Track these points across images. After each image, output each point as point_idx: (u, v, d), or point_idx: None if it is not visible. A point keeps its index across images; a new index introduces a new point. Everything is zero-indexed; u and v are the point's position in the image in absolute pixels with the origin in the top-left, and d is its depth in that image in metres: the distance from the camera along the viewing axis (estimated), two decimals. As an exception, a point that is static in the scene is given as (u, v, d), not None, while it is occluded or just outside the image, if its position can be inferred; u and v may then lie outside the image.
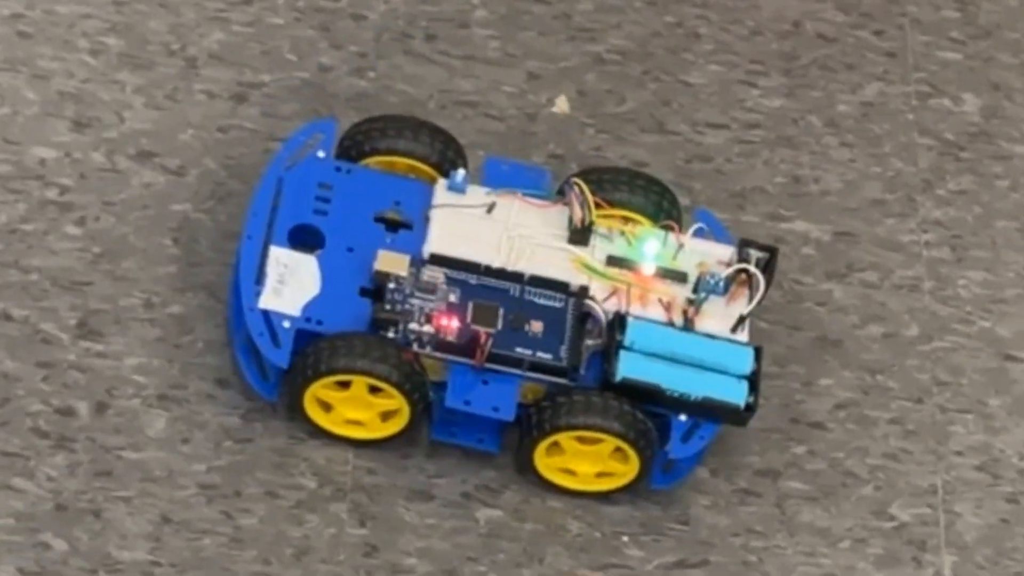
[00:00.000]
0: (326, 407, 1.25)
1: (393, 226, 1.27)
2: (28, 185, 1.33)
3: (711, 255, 1.27)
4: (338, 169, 1.29)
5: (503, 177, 1.29)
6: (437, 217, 1.26)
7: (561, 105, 1.45)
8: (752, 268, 1.25)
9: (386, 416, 1.25)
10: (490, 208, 1.27)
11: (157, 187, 1.35)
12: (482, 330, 1.22)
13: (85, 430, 1.25)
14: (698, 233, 1.28)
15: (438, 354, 1.23)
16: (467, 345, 1.22)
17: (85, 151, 1.35)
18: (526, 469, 1.26)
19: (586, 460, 1.25)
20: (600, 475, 1.26)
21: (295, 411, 1.25)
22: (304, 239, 1.26)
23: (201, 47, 1.41)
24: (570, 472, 1.26)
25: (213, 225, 1.34)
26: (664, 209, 1.29)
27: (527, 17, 1.48)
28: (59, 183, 1.33)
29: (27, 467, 1.23)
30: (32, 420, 1.25)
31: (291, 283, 1.24)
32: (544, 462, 1.25)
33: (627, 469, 1.25)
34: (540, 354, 1.23)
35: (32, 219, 1.31)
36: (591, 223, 1.26)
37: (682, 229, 1.28)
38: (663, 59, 1.48)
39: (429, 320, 1.22)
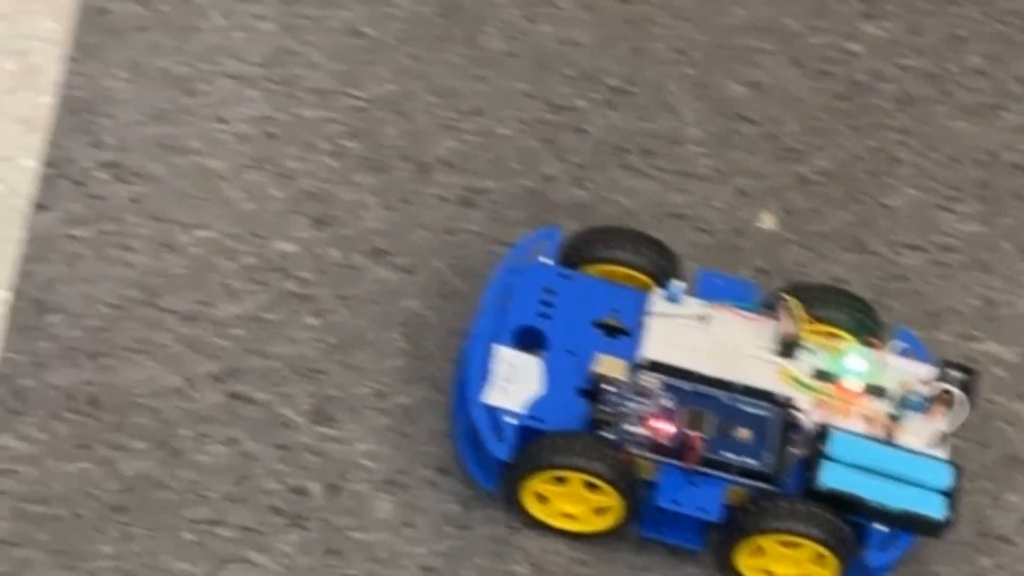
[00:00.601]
0: (542, 499, 1.28)
1: (611, 332, 1.29)
2: (271, 277, 1.38)
3: (912, 373, 1.28)
4: (561, 275, 1.32)
5: (716, 289, 1.32)
6: (653, 325, 1.28)
7: (767, 221, 1.47)
8: (955, 389, 1.26)
9: (599, 511, 1.28)
10: (703, 319, 1.29)
11: (389, 284, 1.39)
12: (694, 435, 1.24)
13: (318, 510, 1.30)
14: (899, 351, 1.30)
15: (652, 456, 1.25)
16: (679, 448, 1.24)
17: (324, 247, 1.40)
18: (727, 568, 1.28)
19: (785, 563, 1.27)
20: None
21: (513, 502, 1.28)
22: (528, 340, 1.29)
23: (433, 154, 1.45)
24: (769, 573, 1.28)
25: (439, 322, 1.38)
26: (867, 326, 1.30)
27: (737, 137, 1.50)
28: (299, 276, 1.39)
29: (263, 542, 1.28)
30: (268, 498, 1.30)
31: (516, 381, 1.27)
32: (745, 562, 1.27)
33: (825, 574, 1.26)
34: (747, 460, 1.24)
35: (274, 309, 1.37)
36: (799, 337, 1.28)
37: (884, 346, 1.29)
38: (864, 182, 1.51)
39: (644, 423, 1.24)
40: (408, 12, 1.52)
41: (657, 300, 1.30)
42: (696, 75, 1.53)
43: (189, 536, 1.28)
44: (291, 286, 1.38)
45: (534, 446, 1.25)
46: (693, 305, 1.30)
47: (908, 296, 1.46)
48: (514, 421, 1.26)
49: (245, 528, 1.29)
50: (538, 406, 1.26)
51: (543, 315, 1.30)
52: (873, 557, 1.25)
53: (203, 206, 1.40)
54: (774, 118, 1.52)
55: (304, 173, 1.43)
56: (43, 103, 1.42)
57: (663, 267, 1.33)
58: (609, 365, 1.26)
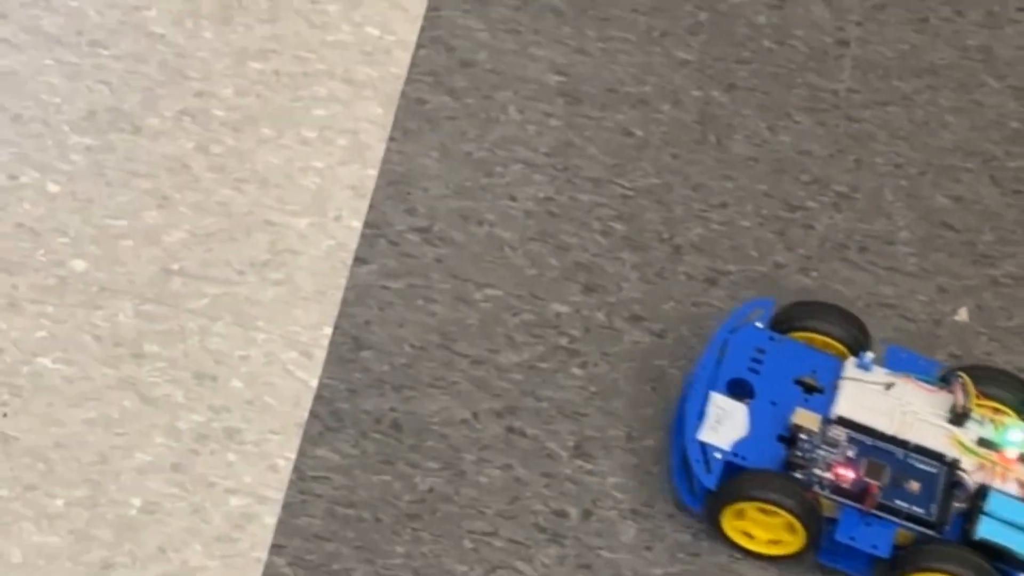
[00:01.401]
0: (740, 524, 1.28)
1: (809, 389, 1.29)
2: (546, 332, 1.38)
3: None
4: (771, 338, 1.32)
5: (901, 362, 1.31)
6: (845, 387, 1.28)
7: (962, 315, 1.45)
8: None
9: (786, 539, 1.27)
10: (888, 386, 1.28)
11: (643, 345, 1.39)
12: (872, 483, 1.23)
13: (573, 530, 1.30)
14: None
15: (835, 497, 1.25)
16: (858, 493, 1.24)
17: (591, 310, 1.40)
18: None
19: None
20: None
21: (714, 524, 1.28)
22: (739, 390, 1.29)
23: (686, 238, 1.45)
24: None
25: (682, 379, 1.37)
26: None
27: (940, 241, 1.48)
28: (569, 333, 1.38)
29: (527, 554, 1.29)
30: (534, 517, 1.30)
31: (725, 423, 1.27)
32: None
33: None
34: (915, 508, 1.23)
35: (547, 359, 1.37)
36: (969, 409, 1.27)
37: None
38: (1048, 286, 1.48)
39: (830, 468, 1.24)
40: (671, 118, 1.51)
41: (850, 366, 1.29)
42: (908, 186, 1.51)
43: (468, 544, 1.28)
44: (562, 341, 1.38)
45: (736, 480, 1.25)
46: (880, 374, 1.29)
47: (1080, 388, 1.42)
48: (721, 456, 1.26)
49: (513, 541, 1.29)
50: (742, 446, 1.26)
51: (752, 370, 1.30)
52: None
53: (493, 269, 1.41)
54: (973, 227, 1.49)
55: (577, 247, 1.43)
56: (369, 175, 1.43)
57: (857, 339, 1.32)
58: (805, 417, 1.26)
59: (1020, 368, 1.42)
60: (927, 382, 1.29)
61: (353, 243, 1.40)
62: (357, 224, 1.40)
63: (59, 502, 1.25)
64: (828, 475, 1.24)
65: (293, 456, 1.29)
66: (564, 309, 1.40)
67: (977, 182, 1.52)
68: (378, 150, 1.44)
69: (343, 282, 1.38)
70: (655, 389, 1.37)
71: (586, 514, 1.31)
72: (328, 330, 1.35)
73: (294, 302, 1.35)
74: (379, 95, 1.47)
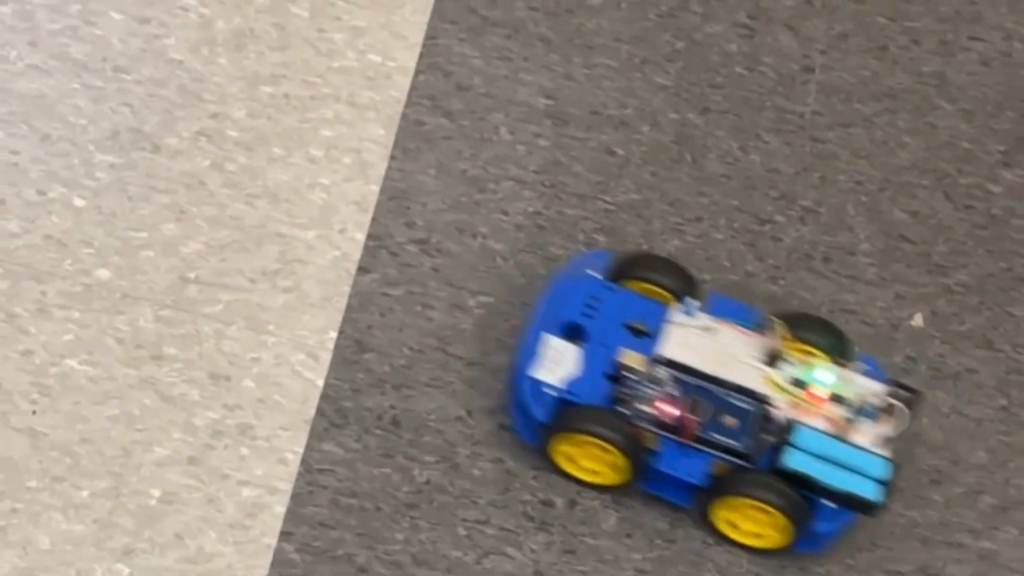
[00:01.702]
0: (569, 456, 1.29)
1: (637, 333, 1.30)
2: (534, 336, 1.38)
3: (868, 388, 1.28)
4: (605, 287, 1.33)
5: (723, 309, 1.32)
6: (670, 331, 1.29)
7: (918, 321, 1.46)
8: (899, 403, 1.26)
9: (612, 470, 1.29)
10: (709, 330, 1.30)
11: None
12: (691, 417, 1.25)
13: (559, 519, 1.31)
14: (861, 371, 1.29)
15: (656, 430, 1.26)
16: (678, 427, 1.26)
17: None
18: (706, 521, 1.30)
19: (750, 523, 1.28)
20: (759, 536, 1.29)
21: (545, 455, 1.30)
22: (573, 333, 1.30)
23: (663, 250, 1.45)
24: (737, 528, 1.29)
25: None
26: (839, 350, 1.30)
27: (898, 252, 1.49)
28: None
29: (517, 540, 1.29)
30: (523, 507, 1.31)
31: (558, 363, 1.28)
32: (720, 518, 1.29)
33: (781, 535, 1.27)
34: (730, 441, 1.26)
35: None
36: (781, 352, 1.28)
37: (849, 366, 1.29)
38: (995, 294, 1.48)
39: (652, 404, 1.26)
40: (650, 138, 1.52)
41: (675, 312, 1.31)
42: (869, 202, 1.51)
43: (462, 531, 1.29)
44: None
45: (566, 413, 1.26)
46: (703, 319, 1.30)
47: (1026, 387, 1.43)
48: (553, 393, 1.27)
49: (504, 528, 1.30)
50: (573, 383, 1.28)
51: (586, 315, 1.31)
52: (820, 526, 1.27)
53: (486, 278, 1.41)
54: (928, 240, 1.50)
55: (565, 258, 1.43)
56: (371, 190, 1.43)
57: (684, 288, 1.33)
58: (631, 357, 1.28)
59: (971, 369, 1.43)
60: (745, 327, 1.30)
61: (357, 254, 1.40)
62: (360, 236, 1.41)
63: (84, 493, 1.25)
64: (650, 410, 1.26)
65: (301, 450, 1.29)
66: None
67: (932, 198, 1.52)
68: (380, 168, 1.45)
69: (347, 289, 1.38)
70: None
71: (571, 504, 1.31)
72: (333, 334, 1.36)
73: (302, 308, 1.36)
74: (381, 117, 1.47)
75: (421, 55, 1.51)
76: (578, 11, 1.56)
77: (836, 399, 1.27)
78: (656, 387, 1.27)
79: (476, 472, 1.31)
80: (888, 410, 1.27)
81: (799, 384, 1.28)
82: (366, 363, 1.35)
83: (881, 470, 1.25)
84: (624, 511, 1.31)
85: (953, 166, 1.54)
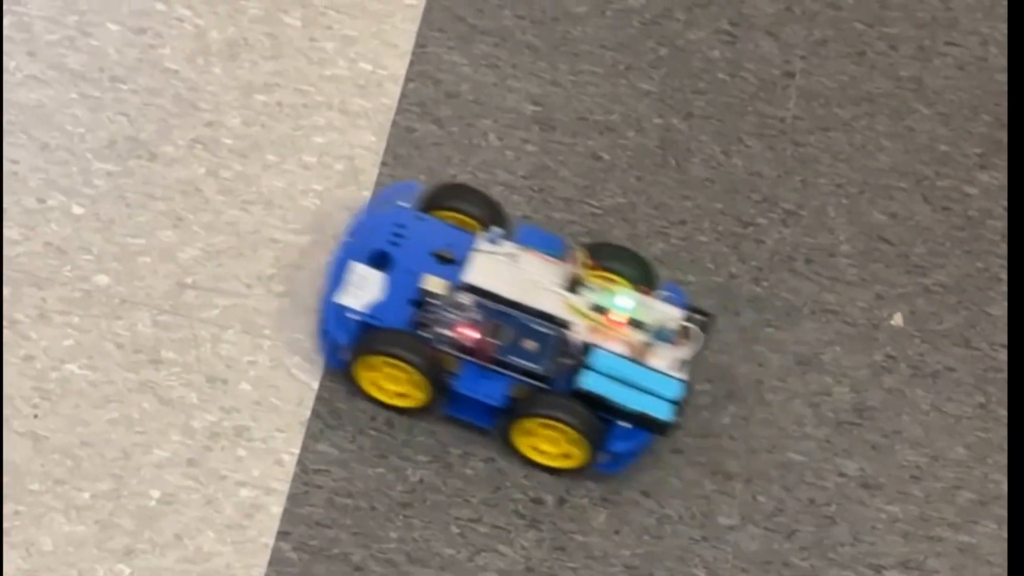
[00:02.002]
0: (372, 379, 1.31)
1: (445, 261, 1.31)
2: (524, 338, 1.39)
3: (667, 313, 1.29)
4: (414, 216, 1.34)
5: (531, 239, 1.33)
6: (475, 258, 1.30)
7: (897, 320, 1.47)
8: (693, 327, 1.28)
9: (413, 392, 1.30)
10: (513, 257, 1.30)
11: None
12: (491, 341, 1.26)
13: (550, 516, 1.32)
14: (662, 298, 1.31)
15: (454, 352, 1.27)
16: (478, 350, 1.26)
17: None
18: (508, 443, 1.31)
19: (550, 443, 1.30)
20: (559, 456, 1.30)
21: (351, 378, 1.31)
22: (380, 261, 1.31)
23: (649, 252, 1.46)
24: (538, 450, 1.31)
25: None
26: (642, 279, 1.32)
27: (878, 253, 1.50)
28: None
29: (508, 538, 1.31)
30: (514, 505, 1.32)
31: (363, 289, 1.29)
32: (521, 440, 1.30)
33: (580, 454, 1.29)
34: (529, 364, 1.27)
35: None
36: (581, 278, 1.29)
37: (651, 293, 1.30)
38: (972, 293, 1.50)
39: (454, 328, 1.27)
40: (635, 143, 1.53)
41: (481, 240, 1.31)
42: (849, 204, 1.53)
43: (455, 529, 1.30)
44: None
45: (368, 336, 1.27)
46: (508, 247, 1.31)
47: (1002, 383, 1.45)
48: (356, 317, 1.28)
49: (496, 526, 1.31)
50: (377, 309, 1.28)
51: (393, 243, 1.32)
52: (616, 445, 1.28)
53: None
54: (907, 241, 1.52)
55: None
56: (363, 196, 1.45)
57: (492, 218, 1.34)
58: (434, 283, 1.28)
59: (949, 368, 1.44)
60: (550, 255, 1.31)
61: (349, 258, 1.41)
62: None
63: (85, 495, 1.27)
64: (450, 333, 1.26)
65: (297, 451, 1.31)
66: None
67: (910, 200, 1.54)
68: (372, 174, 1.46)
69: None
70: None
71: (561, 502, 1.33)
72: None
73: (297, 312, 1.37)
74: (372, 124, 1.49)
75: (411, 63, 1.52)
76: (564, 19, 1.58)
77: (635, 324, 1.28)
78: (458, 312, 1.27)
79: (468, 471, 1.33)
80: (685, 334, 1.28)
81: (599, 310, 1.28)
82: (360, 365, 1.36)
83: (674, 391, 1.26)
84: (613, 508, 1.33)
85: (931, 168, 1.56)
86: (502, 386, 1.27)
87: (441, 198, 1.35)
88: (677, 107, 1.55)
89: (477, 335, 1.26)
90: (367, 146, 1.47)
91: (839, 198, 1.53)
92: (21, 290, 1.34)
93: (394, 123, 1.49)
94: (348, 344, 1.28)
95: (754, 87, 1.58)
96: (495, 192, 1.46)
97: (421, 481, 1.31)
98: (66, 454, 1.28)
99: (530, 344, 1.27)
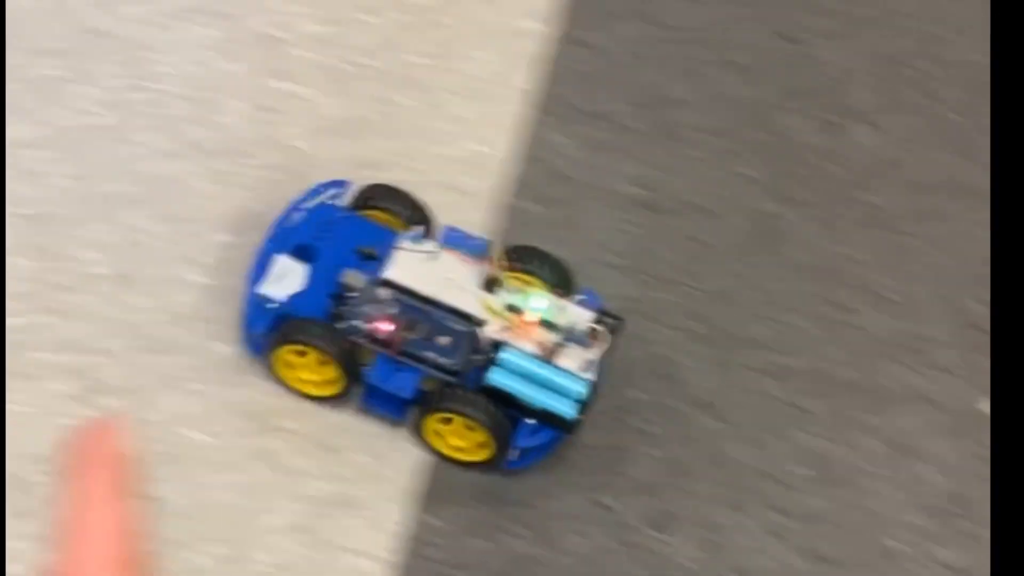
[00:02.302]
0: (290, 367, 1.34)
1: (368, 257, 1.34)
2: (627, 417, 1.42)
3: (580, 315, 1.32)
4: (340, 213, 1.38)
5: (453, 240, 1.36)
6: (396, 256, 1.33)
7: (984, 406, 1.49)
8: (601, 328, 1.31)
9: (328, 382, 1.34)
10: (433, 256, 1.33)
11: (711, 429, 1.42)
12: (403, 335, 1.30)
13: (649, 593, 1.34)
14: (577, 301, 1.34)
15: (368, 344, 1.31)
16: (390, 342, 1.30)
17: (661, 396, 1.44)
18: (419, 436, 1.35)
19: (456, 437, 1.33)
20: (466, 450, 1.34)
21: (268, 366, 1.35)
22: (305, 254, 1.35)
23: (749, 333, 1.48)
24: (448, 444, 1.35)
25: None
26: (560, 282, 1.35)
27: (973, 342, 1.52)
28: (646, 419, 1.42)
29: None
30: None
31: (285, 280, 1.33)
32: (431, 432, 1.34)
33: (485, 450, 1.33)
34: (441, 359, 1.30)
35: (622, 442, 1.40)
36: (498, 278, 1.32)
37: (566, 296, 1.33)
38: None
39: (369, 321, 1.30)
40: (736, 227, 1.55)
41: (403, 238, 1.34)
42: (946, 293, 1.54)
43: (557, 603, 1.32)
44: (634, 422, 1.42)
45: (285, 326, 1.31)
46: (428, 245, 1.34)
47: None
48: (275, 306, 1.32)
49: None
50: (296, 299, 1.32)
51: (319, 238, 1.36)
52: (521, 440, 1.31)
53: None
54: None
55: (656, 341, 1.47)
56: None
57: (417, 218, 1.38)
58: (353, 277, 1.32)
59: None
60: (470, 255, 1.34)
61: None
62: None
63: (203, 558, 1.30)
64: (366, 326, 1.30)
65: (406, 522, 1.34)
66: (643, 396, 1.44)
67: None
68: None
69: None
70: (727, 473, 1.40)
71: (658, 581, 1.34)
72: (436, 410, 1.40)
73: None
74: (482, 203, 1.51)
75: (521, 145, 1.55)
76: (669, 105, 1.61)
77: (547, 325, 1.31)
78: (375, 306, 1.30)
79: (570, 546, 1.35)
80: (594, 335, 1.31)
81: (514, 309, 1.31)
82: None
83: (581, 390, 1.29)
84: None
85: (1027, 259, 1.57)
86: (413, 379, 1.31)
87: (369, 197, 1.39)
88: (779, 193, 1.58)
89: (391, 327, 1.29)
90: (476, 223, 1.50)
91: (936, 286, 1.54)
92: (143, 357, 1.38)
93: (503, 203, 1.52)
94: (265, 333, 1.32)
95: (855, 175, 1.60)
96: (599, 272, 1.49)
97: (525, 554, 1.34)
98: (186, 517, 1.31)
99: (443, 339, 1.30)
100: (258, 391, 1.38)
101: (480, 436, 1.31)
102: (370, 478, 1.35)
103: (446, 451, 1.35)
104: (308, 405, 1.39)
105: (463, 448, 1.34)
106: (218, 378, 1.38)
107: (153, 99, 1.53)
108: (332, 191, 1.39)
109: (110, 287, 1.42)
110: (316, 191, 1.40)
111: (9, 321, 1.38)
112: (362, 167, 1.51)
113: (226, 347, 1.40)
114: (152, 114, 1.52)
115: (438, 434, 1.34)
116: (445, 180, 1.52)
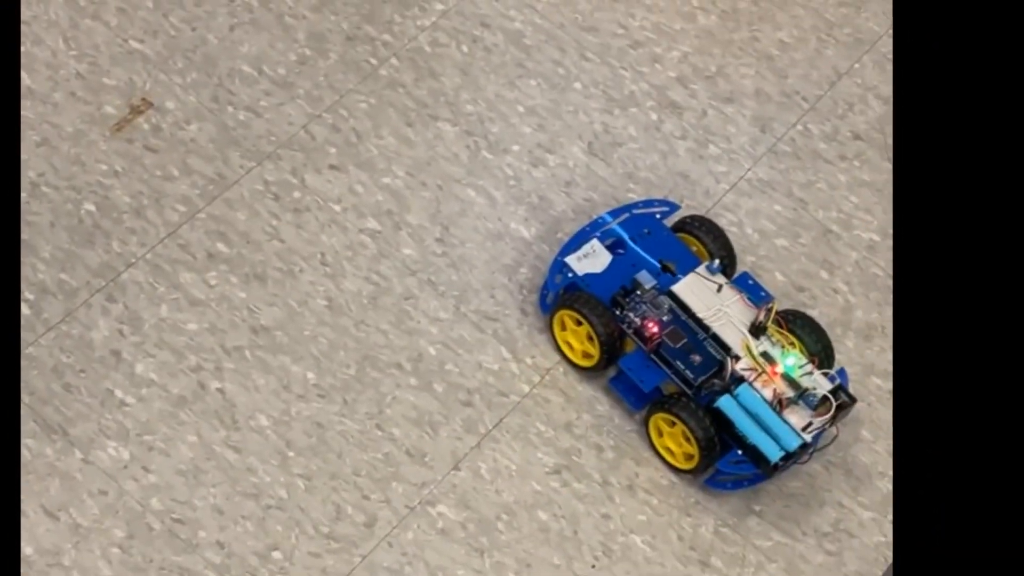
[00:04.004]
0: (563, 328, 1.49)
1: (665, 269, 1.51)
2: None
3: (822, 385, 1.43)
4: (664, 228, 1.54)
5: (743, 283, 1.50)
6: (689, 277, 1.48)
7: None
8: (832, 399, 1.41)
9: (587, 355, 1.49)
10: (720, 288, 1.47)
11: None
12: (666, 340, 1.44)
13: None
14: (827, 375, 1.44)
15: (633, 336, 1.47)
16: (650, 339, 1.45)
17: None
18: (646, 426, 1.47)
19: (673, 442, 1.46)
20: (680, 458, 1.45)
21: (548, 322, 1.51)
22: (619, 246, 1.52)
23: None
24: (666, 447, 1.47)
25: None
26: (818, 352, 1.46)
27: None
28: None
29: None
30: None
31: (590, 259, 1.50)
32: (656, 425, 1.47)
33: (691, 462, 1.45)
34: (686, 371, 1.44)
35: None
36: (764, 328, 1.44)
37: (816, 365, 1.44)
38: None
39: (642, 319, 1.46)
40: None
41: (701, 267, 1.49)
42: None
43: None
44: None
45: (572, 294, 1.47)
46: (720, 279, 1.48)
47: None
48: (570, 275, 1.50)
49: None
50: (590, 277, 1.49)
51: (635, 240, 1.52)
52: (723, 464, 1.43)
53: None
54: None
55: None
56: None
57: (720, 254, 1.51)
58: (645, 279, 1.49)
59: None
60: (751, 300, 1.46)
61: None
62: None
63: None
64: (637, 321, 1.45)
65: None
66: None
67: None
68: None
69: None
70: None
71: None
72: None
73: (837, 572, 1.47)
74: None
75: None
76: None
77: (789, 381, 1.42)
78: (652, 309, 1.46)
79: None
80: (824, 405, 1.40)
81: (767, 357, 1.43)
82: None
83: (792, 443, 1.40)
84: None
85: None
86: (657, 378, 1.45)
87: (690, 224, 1.53)
88: None
89: (656, 329, 1.43)
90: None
91: None
92: (622, 461, 1.50)
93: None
94: (554, 294, 1.48)
95: None
96: None
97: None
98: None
99: (696, 357, 1.44)
100: (704, 526, 1.47)
101: (691, 448, 1.43)
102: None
103: (659, 448, 1.46)
104: (742, 554, 1.46)
105: (673, 453, 1.46)
106: (674, 501, 1.48)
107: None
108: (663, 208, 1.56)
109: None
110: (650, 203, 1.57)
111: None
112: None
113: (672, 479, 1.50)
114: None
115: (659, 431, 1.46)
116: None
